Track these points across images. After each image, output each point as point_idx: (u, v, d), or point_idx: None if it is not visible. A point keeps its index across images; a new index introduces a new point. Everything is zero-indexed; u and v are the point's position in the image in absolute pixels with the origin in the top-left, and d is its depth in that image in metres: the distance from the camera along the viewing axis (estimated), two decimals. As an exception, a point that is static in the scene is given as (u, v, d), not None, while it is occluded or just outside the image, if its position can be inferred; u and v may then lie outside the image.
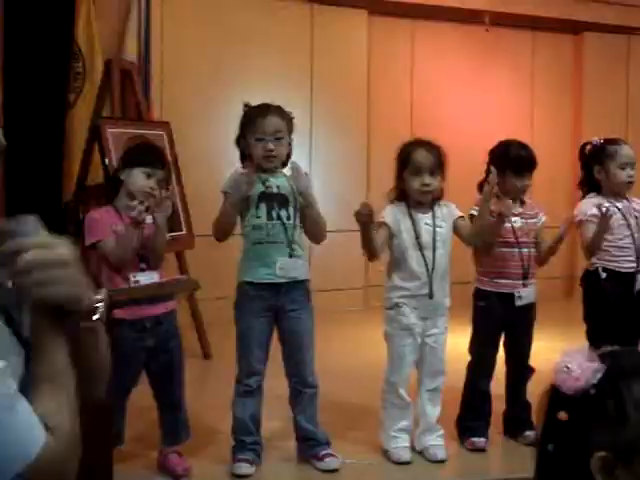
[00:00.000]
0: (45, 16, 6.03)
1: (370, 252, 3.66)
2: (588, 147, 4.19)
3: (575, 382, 1.16)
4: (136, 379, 3.54)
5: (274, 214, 3.52)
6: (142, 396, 3.61)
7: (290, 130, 3.60)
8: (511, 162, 3.87)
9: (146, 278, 3.47)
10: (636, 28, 8.26)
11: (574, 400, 1.16)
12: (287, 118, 3.59)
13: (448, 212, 3.76)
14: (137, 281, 3.44)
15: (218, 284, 5.33)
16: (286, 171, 3.62)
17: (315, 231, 3.65)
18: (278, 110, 3.58)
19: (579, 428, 1.14)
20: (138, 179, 3.48)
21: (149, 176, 3.48)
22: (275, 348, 3.65)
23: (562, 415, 1.17)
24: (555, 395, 1.20)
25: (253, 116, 3.55)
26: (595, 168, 4.11)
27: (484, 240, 3.78)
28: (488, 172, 3.97)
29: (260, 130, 3.51)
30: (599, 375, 1.15)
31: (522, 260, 3.87)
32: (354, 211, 3.47)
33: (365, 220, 3.48)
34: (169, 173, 3.66)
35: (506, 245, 3.85)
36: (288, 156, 3.64)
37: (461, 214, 3.80)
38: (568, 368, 1.18)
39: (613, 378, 1.15)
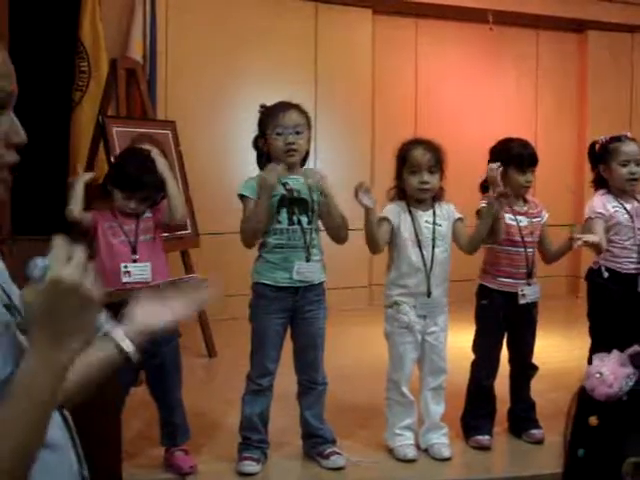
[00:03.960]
0: (50, 15, 6.05)
1: (372, 241, 3.66)
2: (597, 146, 4.19)
3: (608, 388, 1.14)
4: (133, 380, 3.55)
5: (295, 219, 3.53)
6: (148, 393, 3.64)
7: (309, 126, 3.61)
8: (513, 158, 3.88)
9: (138, 269, 3.50)
10: (639, 26, 8.27)
11: (606, 406, 1.15)
12: (306, 115, 3.60)
13: (448, 211, 3.78)
14: (128, 272, 3.48)
15: (223, 282, 5.34)
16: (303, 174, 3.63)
17: (334, 228, 3.60)
18: (297, 106, 3.60)
19: (611, 434, 1.12)
20: (118, 200, 3.60)
21: (129, 198, 3.56)
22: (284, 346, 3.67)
23: (593, 420, 1.15)
24: (586, 400, 1.18)
25: (273, 112, 3.56)
26: (600, 167, 4.13)
27: (480, 246, 3.82)
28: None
29: (281, 124, 3.51)
30: (632, 381, 1.13)
31: (527, 260, 3.89)
32: (355, 188, 3.47)
33: (366, 204, 3.49)
34: (155, 186, 3.65)
35: (512, 244, 3.87)
36: (307, 153, 3.65)
37: (460, 216, 3.81)
38: (601, 374, 1.16)
39: None
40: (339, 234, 3.63)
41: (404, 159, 3.72)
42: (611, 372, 1.15)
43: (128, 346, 1.60)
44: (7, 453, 1.10)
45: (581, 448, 1.17)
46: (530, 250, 3.90)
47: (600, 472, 1.15)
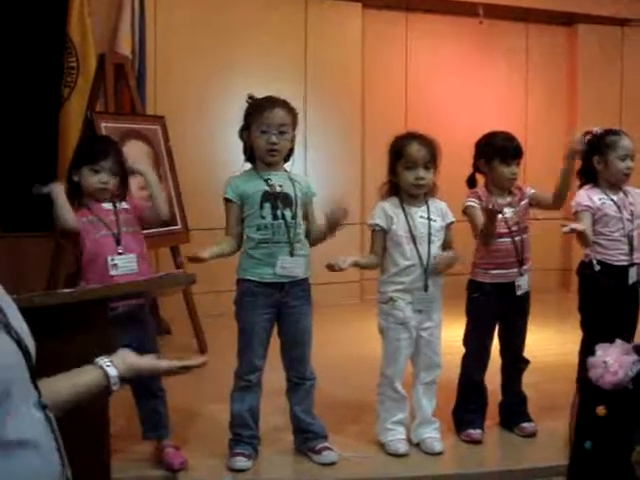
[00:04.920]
0: (38, 11, 6.02)
1: (373, 268, 3.80)
2: (588, 136, 4.18)
3: (613, 376, 1.13)
4: None
5: (279, 214, 3.51)
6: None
7: (294, 125, 3.59)
8: (497, 151, 3.88)
9: (124, 261, 3.49)
10: (630, 19, 8.26)
11: (612, 395, 1.14)
12: (292, 112, 3.57)
13: (442, 210, 3.76)
14: (115, 264, 3.46)
15: (212, 278, 5.32)
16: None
17: (317, 242, 3.69)
18: (284, 103, 3.56)
19: (618, 423, 1.11)
20: (88, 179, 3.50)
21: (97, 172, 3.48)
22: (272, 342, 3.64)
23: (601, 410, 1.14)
24: (591, 391, 1.17)
25: (259, 107, 3.53)
26: (595, 158, 4.11)
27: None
28: (475, 168, 3.99)
29: (265, 122, 3.48)
30: (636, 368, 1.13)
31: (516, 249, 3.88)
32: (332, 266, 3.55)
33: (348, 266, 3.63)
34: (120, 158, 3.59)
35: (500, 236, 3.86)
36: (291, 151, 3.64)
37: (452, 219, 3.79)
38: (605, 362, 1.15)
39: None
40: (316, 242, 3.69)
41: (399, 154, 3.69)
42: (615, 360, 1.15)
43: (112, 371, 1.67)
44: None
45: (588, 440, 1.16)
46: (518, 238, 3.90)
47: (608, 463, 1.14)
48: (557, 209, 4.06)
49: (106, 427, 2.96)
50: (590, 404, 1.15)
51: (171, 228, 5.30)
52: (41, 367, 1.38)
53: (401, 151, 3.68)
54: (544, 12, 7.93)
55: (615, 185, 4.11)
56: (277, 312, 3.57)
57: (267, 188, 3.52)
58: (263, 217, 3.50)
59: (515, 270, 3.88)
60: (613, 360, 1.15)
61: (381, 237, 3.72)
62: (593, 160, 4.11)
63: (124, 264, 3.47)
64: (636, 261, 4.12)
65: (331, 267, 3.54)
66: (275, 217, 3.50)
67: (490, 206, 3.63)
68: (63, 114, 5.94)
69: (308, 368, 3.66)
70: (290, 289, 3.55)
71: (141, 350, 3.38)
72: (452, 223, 3.79)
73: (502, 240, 3.86)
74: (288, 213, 3.52)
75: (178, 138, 5.85)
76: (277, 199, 3.51)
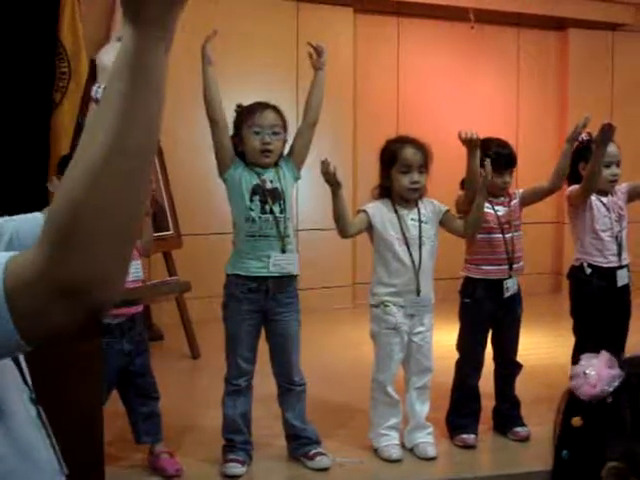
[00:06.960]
0: (30, 16, 6.00)
1: (339, 223, 3.67)
2: (575, 143, 4.19)
3: (591, 389, 1.12)
4: (114, 382, 3.49)
5: (267, 208, 3.52)
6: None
7: (285, 129, 3.61)
8: (490, 159, 3.87)
9: (133, 268, 3.46)
10: (620, 24, 8.29)
11: (590, 407, 1.13)
12: (282, 116, 3.61)
13: (433, 209, 3.77)
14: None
15: (204, 283, 5.32)
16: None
17: (319, 100, 3.78)
18: (274, 107, 3.61)
19: (594, 436, 1.11)
20: None
21: None
22: (262, 347, 3.64)
23: (576, 421, 1.14)
24: (572, 400, 1.16)
25: (250, 110, 3.56)
26: (580, 165, 4.13)
27: (480, 225, 3.77)
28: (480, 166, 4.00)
29: (258, 123, 3.51)
30: (616, 383, 1.12)
31: (506, 244, 3.90)
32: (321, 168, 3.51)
33: (330, 179, 3.52)
34: None
35: (491, 231, 3.88)
36: (281, 155, 3.66)
37: (447, 207, 3.81)
38: (585, 374, 1.14)
39: (631, 387, 1.12)
40: (319, 107, 3.83)
41: (393, 158, 3.70)
42: (596, 372, 1.14)
43: None
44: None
45: (565, 449, 1.16)
46: (508, 235, 3.91)
47: (582, 475, 1.13)
48: (557, 189, 4.04)
49: (100, 434, 2.96)
50: (570, 413, 1.15)
51: (163, 234, 5.30)
52: (29, 368, 1.34)
53: (395, 155, 3.69)
54: (535, 17, 7.95)
55: (602, 190, 4.13)
56: (263, 316, 3.57)
57: (258, 181, 3.53)
58: (252, 209, 3.51)
59: (505, 267, 3.89)
60: (594, 372, 1.13)
61: (364, 219, 3.71)
62: (579, 167, 4.13)
63: (134, 270, 3.43)
64: (624, 263, 4.15)
65: (326, 163, 3.53)
66: (263, 211, 3.52)
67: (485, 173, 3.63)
68: (55, 119, 5.93)
69: (297, 374, 3.65)
70: (276, 294, 3.54)
71: (135, 353, 3.42)
72: (448, 210, 3.79)
73: (493, 235, 3.89)
74: (277, 208, 3.54)
75: (169, 144, 5.84)
76: (266, 193, 3.53)
